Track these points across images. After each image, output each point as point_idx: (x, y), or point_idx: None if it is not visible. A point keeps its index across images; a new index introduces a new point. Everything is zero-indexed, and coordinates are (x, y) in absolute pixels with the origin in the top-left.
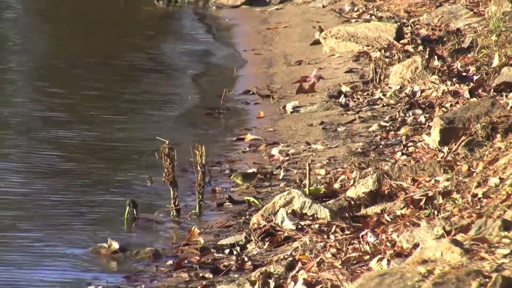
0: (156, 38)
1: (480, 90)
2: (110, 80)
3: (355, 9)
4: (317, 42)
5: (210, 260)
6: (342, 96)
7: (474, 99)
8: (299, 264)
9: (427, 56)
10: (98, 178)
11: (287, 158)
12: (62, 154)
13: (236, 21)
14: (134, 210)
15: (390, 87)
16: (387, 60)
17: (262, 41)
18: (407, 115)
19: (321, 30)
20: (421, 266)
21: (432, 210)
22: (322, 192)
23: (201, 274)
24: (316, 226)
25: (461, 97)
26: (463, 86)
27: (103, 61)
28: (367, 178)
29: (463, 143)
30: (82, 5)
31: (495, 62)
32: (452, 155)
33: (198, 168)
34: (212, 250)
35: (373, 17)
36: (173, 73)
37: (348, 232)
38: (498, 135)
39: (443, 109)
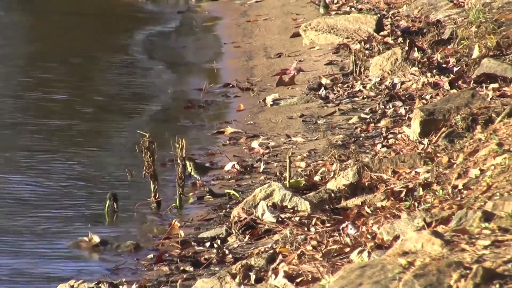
0: (135, 32)
1: (460, 82)
2: (89, 74)
3: (335, 1)
4: (297, 35)
5: (190, 253)
6: (322, 88)
7: (454, 91)
8: (280, 257)
9: (407, 48)
10: (78, 172)
11: (267, 151)
12: (42, 147)
13: (216, 14)
14: (115, 203)
15: (370, 79)
16: (367, 52)
17: (242, 34)
18: (387, 107)
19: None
20: (402, 258)
21: (413, 202)
22: (302, 184)
23: (181, 267)
24: (297, 218)
25: (441, 89)
26: (443, 78)
27: (81, 55)
28: (347, 170)
29: (443, 135)
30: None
31: (475, 53)
32: (432, 147)
33: (178, 161)
34: (192, 243)
35: (353, 9)
36: (152, 67)
37: (328, 225)
38: (478, 127)
39: (423, 101)
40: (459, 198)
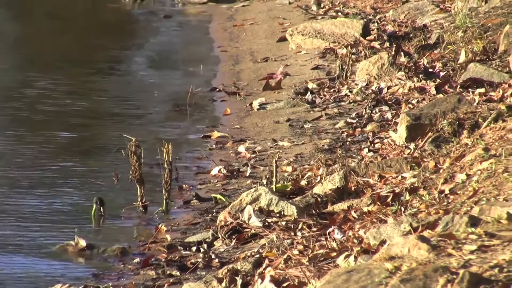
0: (121, 35)
1: (446, 86)
2: (76, 78)
3: (322, 5)
4: (283, 39)
5: (177, 257)
6: (309, 93)
7: (441, 95)
8: (266, 261)
9: (393, 53)
10: (65, 175)
11: (253, 155)
12: (28, 150)
13: (202, 18)
14: (101, 207)
15: (356, 84)
16: (353, 56)
17: (228, 38)
18: (374, 111)
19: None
20: (388, 263)
21: (399, 207)
22: (289, 189)
23: (168, 272)
24: (283, 223)
25: (427, 94)
26: (429, 83)
27: (67, 58)
28: (334, 175)
29: (429, 140)
30: (50, 1)
31: (462, 58)
32: (419, 152)
33: (165, 165)
34: (179, 247)
35: (340, 13)
36: (138, 70)
37: (315, 229)
38: (465, 131)
39: (410, 105)
40: (445, 203)
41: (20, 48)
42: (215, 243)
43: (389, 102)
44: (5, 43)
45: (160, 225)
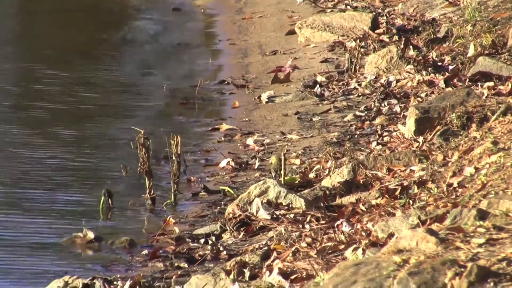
0: (130, 28)
1: (455, 80)
2: (83, 70)
3: None
4: (292, 32)
5: (185, 249)
6: (317, 86)
7: (450, 89)
8: (274, 254)
9: (402, 46)
10: (73, 167)
11: (262, 148)
12: (35, 143)
13: (211, 11)
14: (109, 199)
15: (365, 77)
16: (362, 50)
17: (237, 31)
18: (382, 105)
19: None
20: (397, 256)
21: (407, 200)
22: (297, 181)
23: (176, 264)
24: (291, 215)
25: (436, 87)
26: (438, 76)
27: (76, 51)
28: (342, 168)
29: (438, 133)
30: None
31: (471, 51)
32: (427, 145)
33: (173, 157)
34: (187, 239)
35: (348, 7)
36: (147, 64)
37: (323, 222)
38: (473, 125)
39: (418, 98)
40: (454, 196)
41: (24, 41)
42: (223, 235)
43: (398, 95)
44: (9, 37)
45: (168, 217)
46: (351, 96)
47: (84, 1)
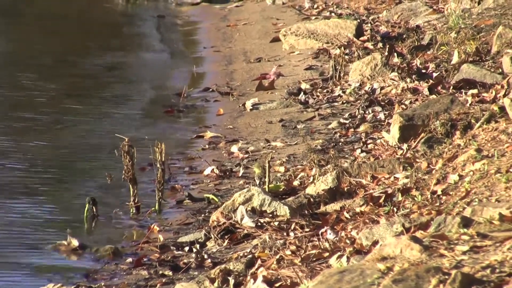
0: (113, 36)
1: (439, 87)
2: (68, 79)
3: (315, 6)
4: (276, 39)
5: (169, 257)
6: (302, 93)
7: (434, 96)
8: (259, 261)
9: (386, 53)
10: (58, 175)
11: (246, 155)
12: (20, 150)
13: (196, 19)
14: (94, 207)
15: (349, 84)
16: (346, 57)
17: (221, 38)
18: (367, 112)
19: None
20: (381, 263)
21: (392, 207)
22: (281, 189)
23: (160, 272)
24: (276, 223)
25: (420, 94)
26: (422, 83)
27: (60, 58)
28: (327, 175)
29: (422, 140)
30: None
31: (455, 59)
32: (412, 152)
33: (158, 165)
34: (171, 247)
35: (333, 14)
36: (131, 71)
37: (307, 230)
38: (457, 132)
39: (403, 106)
40: (438, 204)
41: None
42: (207, 243)
43: (382, 103)
44: None
45: (152, 225)
46: (336, 104)
47: (69, 8)
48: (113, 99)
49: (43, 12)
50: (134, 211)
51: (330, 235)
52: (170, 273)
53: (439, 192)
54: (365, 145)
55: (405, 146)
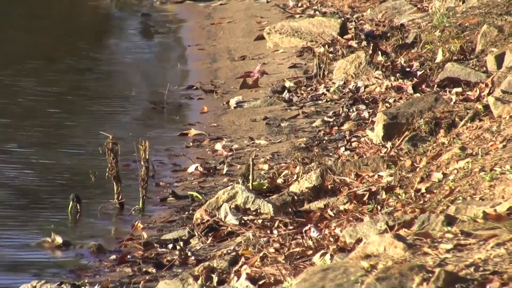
0: (98, 34)
1: (423, 86)
2: (48, 77)
3: (299, 4)
4: (261, 37)
5: (153, 254)
6: (286, 91)
7: (418, 95)
8: (242, 259)
9: (370, 52)
10: (42, 172)
11: (230, 153)
12: (5, 149)
13: (180, 17)
14: (78, 204)
15: (333, 83)
16: (330, 55)
17: (206, 36)
18: (351, 110)
19: None
20: (364, 261)
21: (375, 205)
22: (265, 187)
23: (144, 269)
24: (260, 221)
25: (404, 93)
26: (406, 82)
27: (45, 56)
28: (311, 173)
29: (406, 138)
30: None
31: (439, 57)
32: (396, 150)
33: (142, 163)
34: (155, 244)
35: (317, 12)
36: (116, 69)
37: (291, 227)
38: (442, 130)
39: (387, 104)
40: (421, 202)
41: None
42: (191, 240)
43: (366, 101)
44: None
45: (136, 223)
46: (320, 102)
47: (55, 7)
48: (96, 97)
49: (26, 11)
50: (118, 208)
51: (314, 233)
52: (154, 270)
53: (423, 190)
54: (349, 143)
55: (389, 144)
